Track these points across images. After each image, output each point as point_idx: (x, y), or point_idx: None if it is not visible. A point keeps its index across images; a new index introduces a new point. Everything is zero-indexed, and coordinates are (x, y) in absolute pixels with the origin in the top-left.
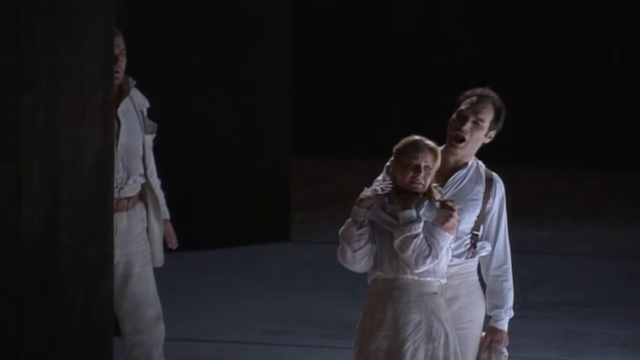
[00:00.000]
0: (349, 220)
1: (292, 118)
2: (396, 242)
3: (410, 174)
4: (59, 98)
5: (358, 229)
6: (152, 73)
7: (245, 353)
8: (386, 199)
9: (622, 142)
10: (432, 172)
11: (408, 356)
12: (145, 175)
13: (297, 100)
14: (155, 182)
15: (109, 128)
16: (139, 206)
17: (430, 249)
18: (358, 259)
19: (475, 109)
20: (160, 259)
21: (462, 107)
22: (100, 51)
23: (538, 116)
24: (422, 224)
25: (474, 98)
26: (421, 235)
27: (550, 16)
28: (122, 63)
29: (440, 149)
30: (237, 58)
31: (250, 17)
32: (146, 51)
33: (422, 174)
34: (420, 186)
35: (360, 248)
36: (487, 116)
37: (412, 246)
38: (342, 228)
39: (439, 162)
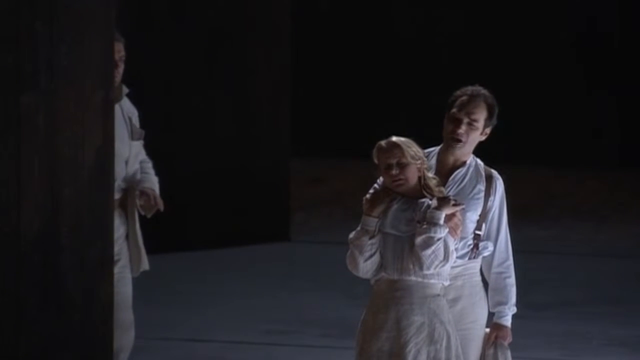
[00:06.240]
0: (359, 229)
1: (291, 118)
2: (418, 239)
3: (388, 176)
4: (59, 98)
5: (370, 238)
6: (152, 73)
7: (245, 353)
8: (394, 203)
9: (621, 141)
10: (411, 163)
11: (410, 358)
12: (131, 178)
13: (297, 100)
14: (150, 168)
15: (109, 128)
16: (118, 210)
17: (445, 253)
18: (369, 266)
19: (467, 109)
20: (145, 262)
21: (454, 109)
22: (100, 51)
23: (538, 116)
24: (446, 230)
25: (465, 98)
26: (443, 240)
27: (550, 16)
28: (121, 69)
29: (437, 149)
30: (237, 58)
31: (250, 17)
32: (146, 51)
33: (394, 170)
34: (402, 181)
35: (372, 256)
36: (481, 115)
37: (433, 247)
38: (352, 237)
39: (413, 150)
